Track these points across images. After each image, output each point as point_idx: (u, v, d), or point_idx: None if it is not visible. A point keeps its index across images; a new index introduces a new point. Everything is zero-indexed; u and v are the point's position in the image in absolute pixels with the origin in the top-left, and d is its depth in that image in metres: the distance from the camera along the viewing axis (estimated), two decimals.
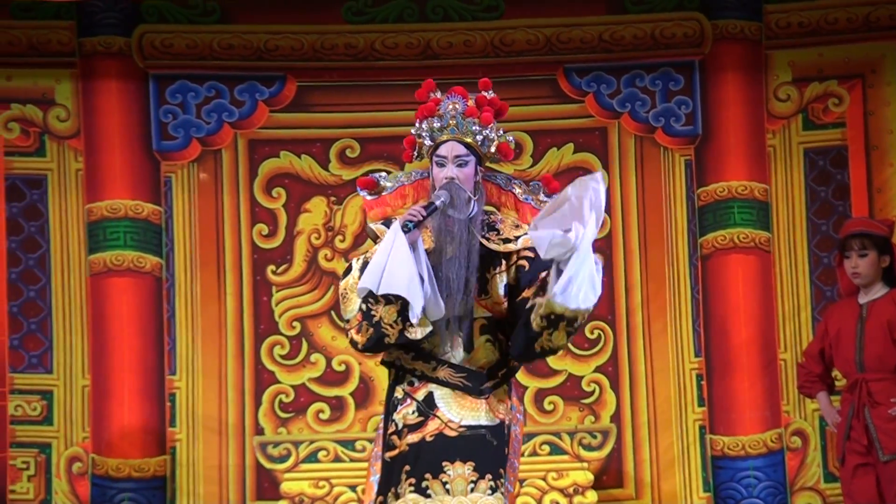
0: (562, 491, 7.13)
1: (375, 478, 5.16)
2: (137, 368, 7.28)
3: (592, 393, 7.33)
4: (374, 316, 4.98)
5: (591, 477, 7.15)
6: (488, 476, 5.01)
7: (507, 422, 5.14)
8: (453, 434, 5.04)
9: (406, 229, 4.94)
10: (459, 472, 5.01)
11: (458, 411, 5.06)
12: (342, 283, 5.14)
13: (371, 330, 4.99)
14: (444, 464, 5.01)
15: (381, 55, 7.38)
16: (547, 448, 7.26)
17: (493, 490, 5.01)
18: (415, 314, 4.93)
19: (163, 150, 7.37)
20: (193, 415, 7.30)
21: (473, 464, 5.01)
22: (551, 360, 7.29)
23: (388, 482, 5.06)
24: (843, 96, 7.38)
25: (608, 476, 7.24)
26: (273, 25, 7.35)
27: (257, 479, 7.30)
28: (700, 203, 7.35)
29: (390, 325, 4.98)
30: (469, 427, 5.04)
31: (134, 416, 7.24)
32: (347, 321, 5.11)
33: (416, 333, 4.98)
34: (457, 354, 5.07)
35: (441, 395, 5.08)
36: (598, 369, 7.33)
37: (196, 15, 7.36)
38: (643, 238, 7.38)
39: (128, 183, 7.33)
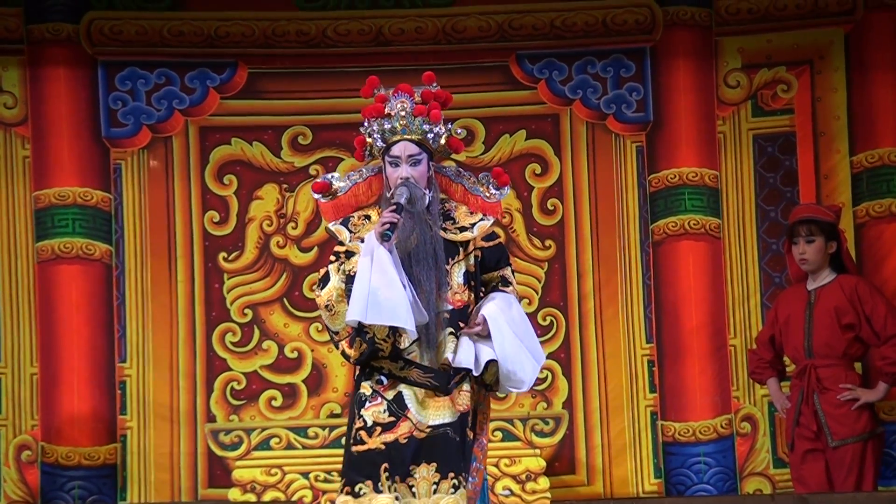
0: (514, 477, 7.15)
1: None
2: (87, 356, 7.23)
3: (545, 379, 7.35)
4: (367, 333, 5.06)
5: (543, 463, 7.17)
6: (451, 475, 5.08)
7: (470, 409, 5.18)
8: (422, 436, 5.09)
9: (386, 238, 4.98)
10: (424, 474, 5.07)
11: (425, 412, 5.11)
12: (323, 294, 5.16)
13: (365, 346, 5.07)
14: (411, 467, 5.06)
15: (333, 42, 7.35)
16: (499, 434, 7.28)
17: (456, 487, 5.07)
18: (411, 333, 5.01)
19: (112, 137, 7.31)
20: (144, 402, 7.27)
21: (437, 464, 5.07)
22: None
23: (358, 474, 5.08)
24: (792, 82, 7.43)
25: (560, 462, 7.27)
26: (224, 12, 7.30)
27: (209, 467, 7.28)
28: (651, 189, 7.38)
29: (383, 340, 5.07)
30: (434, 427, 5.10)
31: (84, 403, 7.19)
32: (336, 333, 5.16)
33: (405, 342, 5.08)
34: (423, 353, 5.11)
35: (410, 395, 5.12)
36: (550, 356, 7.33)
37: (145, 1, 7.30)
38: (595, 224, 7.40)
39: (76, 170, 7.27)
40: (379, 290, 4.95)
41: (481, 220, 5.26)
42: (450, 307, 5.15)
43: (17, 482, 7.18)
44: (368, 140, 5.23)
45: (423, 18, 7.38)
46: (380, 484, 5.05)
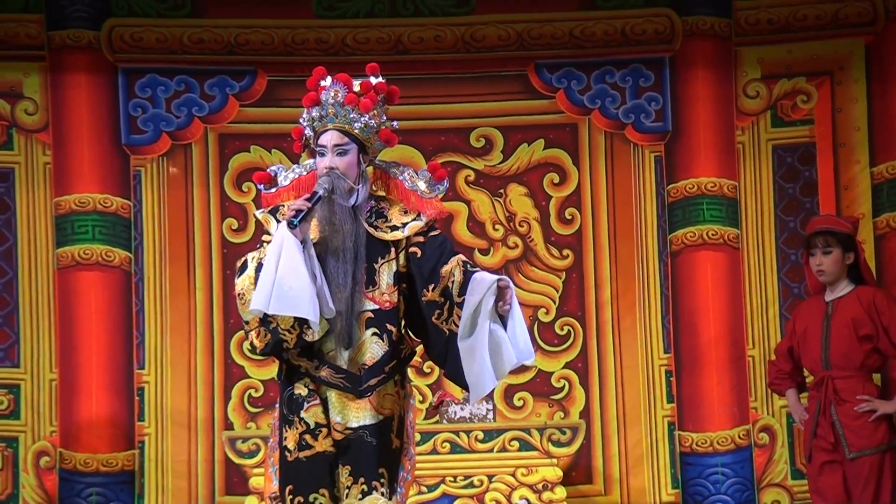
0: (531, 487, 7.14)
1: (275, 469, 5.08)
2: (106, 362, 7.25)
3: (562, 389, 7.34)
4: (272, 323, 4.92)
5: (560, 473, 7.16)
6: (361, 479, 4.96)
7: (395, 414, 5.06)
8: (339, 437, 4.99)
9: (292, 225, 4.86)
10: (341, 478, 4.97)
11: (343, 412, 5.00)
12: (238, 282, 5.02)
13: (269, 336, 4.93)
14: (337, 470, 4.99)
15: (352, 50, 7.37)
16: (516, 444, 7.28)
17: (365, 494, 4.96)
18: (314, 326, 4.87)
19: (132, 143, 7.34)
20: (162, 409, 7.29)
21: (350, 468, 4.97)
22: None
23: (308, 482, 4.98)
24: (812, 93, 7.42)
25: (577, 472, 7.26)
26: (243, 20, 7.33)
27: (226, 474, 7.29)
28: (670, 199, 7.38)
29: (287, 331, 4.92)
30: (352, 429, 4.99)
31: (102, 410, 7.21)
32: (247, 322, 5.01)
33: (314, 335, 4.92)
34: (341, 352, 4.97)
35: (330, 396, 5.01)
36: (567, 365, 7.35)
37: (166, 9, 7.33)
38: (613, 234, 7.40)
39: (96, 177, 7.30)
40: (284, 279, 4.78)
41: (414, 219, 5.11)
42: (375, 307, 5.01)
43: (36, 488, 7.20)
44: (307, 132, 5.19)
45: (442, 27, 7.39)
46: (336, 490, 4.96)
